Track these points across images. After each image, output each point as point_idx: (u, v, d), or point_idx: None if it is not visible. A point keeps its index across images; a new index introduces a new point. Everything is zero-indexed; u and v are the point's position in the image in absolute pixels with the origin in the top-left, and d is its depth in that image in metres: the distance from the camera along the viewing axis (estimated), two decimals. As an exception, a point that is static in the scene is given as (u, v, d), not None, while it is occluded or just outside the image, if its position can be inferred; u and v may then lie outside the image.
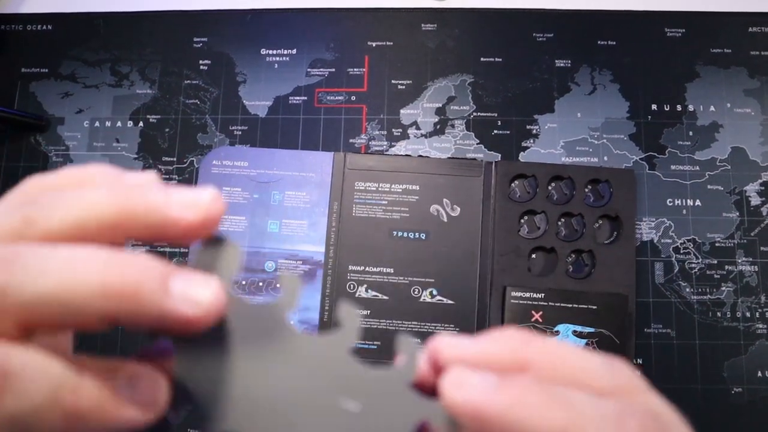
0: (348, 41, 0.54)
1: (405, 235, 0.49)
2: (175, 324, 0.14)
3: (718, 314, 0.48)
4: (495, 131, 0.52)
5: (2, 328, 0.13)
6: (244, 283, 0.49)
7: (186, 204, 0.15)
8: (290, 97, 0.53)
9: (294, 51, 0.54)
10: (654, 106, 0.52)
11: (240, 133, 0.53)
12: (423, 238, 0.49)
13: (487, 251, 0.48)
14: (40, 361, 0.13)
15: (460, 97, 0.53)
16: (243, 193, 0.50)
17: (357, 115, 0.53)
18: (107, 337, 0.49)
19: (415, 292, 0.48)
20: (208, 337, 0.16)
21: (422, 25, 0.54)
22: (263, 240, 0.49)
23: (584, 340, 0.45)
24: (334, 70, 0.54)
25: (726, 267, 0.49)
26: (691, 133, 0.51)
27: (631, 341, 0.46)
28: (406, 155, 0.51)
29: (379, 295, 0.48)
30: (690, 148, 0.51)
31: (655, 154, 0.51)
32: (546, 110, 0.52)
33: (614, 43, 0.53)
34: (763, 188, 0.50)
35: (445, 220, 0.49)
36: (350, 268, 0.48)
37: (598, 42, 0.53)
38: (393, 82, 0.53)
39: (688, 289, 0.49)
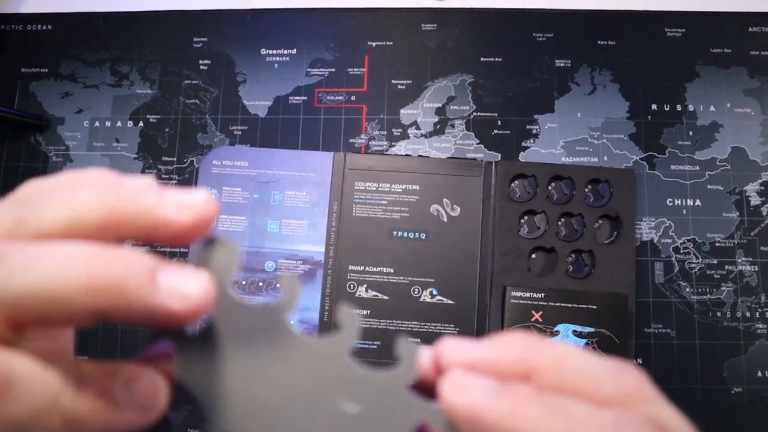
0: (348, 41, 0.54)
1: (405, 235, 0.49)
2: (163, 318, 0.14)
3: (718, 314, 0.48)
4: (495, 131, 0.52)
5: None
6: (244, 283, 0.49)
7: (179, 206, 0.15)
8: (290, 97, 0.53)
9: (294, 51, 0.54)
10: (654, 106, 0.52)
11: (240, 133, 0.53)
12: (423, 238, 0.49)
13: (487, 251, 0.48)
14: (41, 368, 0.13)
15: (460, 97, 0.53)
16: (243, 193, 0.50)
17: (357, 115, 0.53)
18: (107, 338, 0.49)
19: (415, 292, 0.48)
20: (208, 338, 0.16)
21: (422, 25, 0.54)
22: (263, 240, 0.49)
23: (584, 340, 0.45)
24: (334, 70, 0.54)
25: (726, 267, 0.49)
26: (691, 133, 0.51)
27: (631, 341, 0.46)
28: (406, 155, 0.51)
29: (379, 295, 0.48)
30: (690, 148, 0.51)
31: (655, 154, 0.51)
32: (546, 110, 0.52)
33: (614, 43, 0.53)
34: (763, 188, 0.50)
35: (445, 220, 0.49)
36: (350, 268, 0.48)
37: (598, 42, 0.53)
38: (393, 82, 0.53)
39: (688, 289, 0.49)
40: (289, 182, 0.50)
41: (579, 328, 0.45)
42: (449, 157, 0.51)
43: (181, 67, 0.54)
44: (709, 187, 0.50)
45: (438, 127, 0.52)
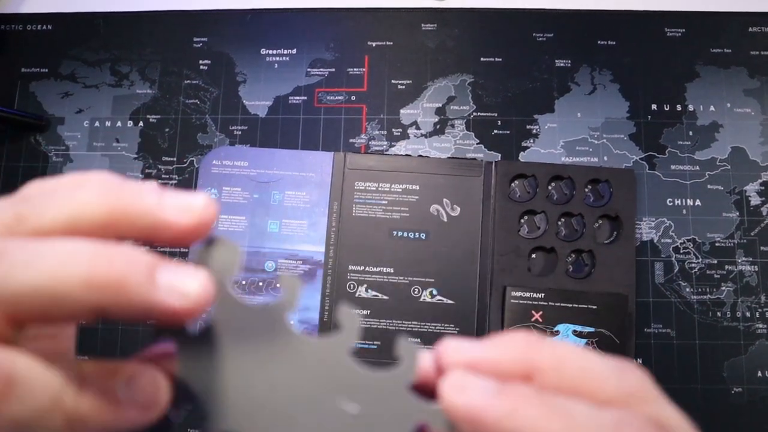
0: (348, 41, 0.54)
1: (405, 235, 0.49)
2: (162, 316, 0.14)
3: (718, 314, 0.48)
4: (495, 131, 0.52)
5: None
6: (244, 283, 0.49)
7: (179, 208, 0.15)
8: (290, 97, 0.53)
9: (294, 51, 0.54)
10: (654, 106, 0.52)
11: (240, 133, 0.53)
12: (423, 238, 0.49)
13: (487, 251, 0.48)
14: (42, 367, 0.13)
15: (460, 97, 0.53)
16: (243, 193, 0.50)
17: (357, 115, 0.53)
18: (107, 338, 0.49)
19: (415, 292, 0.48)
20: (209, 338, 0.16)
21: (422, 25, 0.54)
22: (263, 240, 0.49)
23: (584, 340, 0.45)
24: (334, 70, 0.54)
25: (726, 267, 0.49)
26: (691, 133, 0.51)
27: (631, 341, 0.46)
28: (406, 155, 0.51)
29: (379, 295, 0.48)
30: (690, 148, 0.51)
31: (655, 154, 0.51)
32: (546, 110, 0.52)
33: (614, 43, 0.53)
34: (763, 188, 0.50)
35: (445, 220, 0.49)
36: (350, 268, 0.48)
37: (598, 42, 0.53)
38: (393, 82, 0.53)
39: (688, 289, 0.49)
40: (289, 182, 0.50)
41: (579, 328, 0.45)
42: (449, 157, 0.51)
43: (181, 67, 0.54)
44: (709, 187, 0.50)
45: (438, 127, 0.52)
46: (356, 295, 0.48)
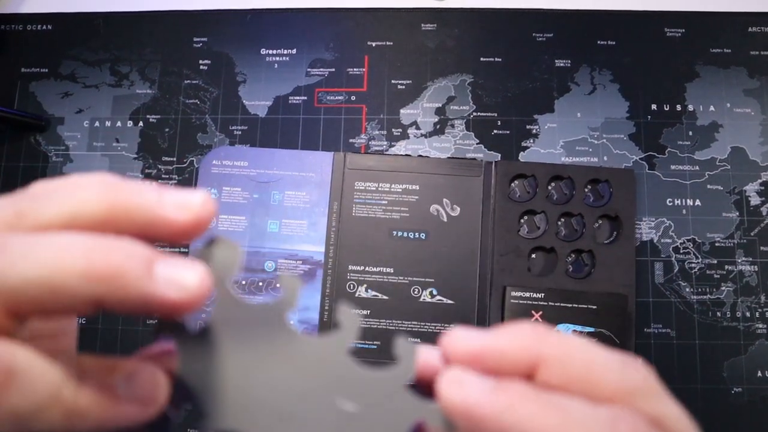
0: (348, 41, 0.54)
1: (405, 235, 0.49)
2: (160, 308, 0.14)
3: (718, 314, 0.48)
4: (495, 131, 0.52)
5: None
6: (244, 282, 0.49)
7: (178, 205, 0.15)
8: (290, 97, 0.53)
9: (294, 51, 0.54)
10: (654, 106, 0.52)
11: (240, 133, 0.53)
12: (423, 238, 0.49)
13: (487, 251, 0.48)
14: (43, 360, 0.13)
15: (460, 97, 0.53)
16: (243, 193, 0.50)
17: (357, 115, 0.53)
18: (107, 338, 0.49)
19: (415, 292, 0.48)
20: (209, 336, 0.16)
21: (422, 25, 0.54)
22: (263, 240, 0.49)
23: (584, 340, 0.45)
24: (333, 70, 0.54)
25: (726, 267, 0.49)
26: (690, 133, 0.51)
27: (631, 341, 0.46)
28: (406, 155, 0.51)
29: (379, 295, 0.48)
30: (690, 148, 0.51)
31: (655, 153, 0.51)
32: (546, 110, 0.52)
33: (614, 43, 0.53)
34: (762, 188, 0.50)
35: (445, 220, 0.49)
36: (350, 268, 0.48)
37: (598, 42, 0.53)
38: (393, 82, 0.53)
39: (687, 289, 0.49)
40: (289, 182, 0.50)
41: (579, 328, 0.45)
42: (449, 157, 0.51)
43: (181, 67, 0.54)
44: (708, 187, 0.50)
45: (438, 127, 0.52)
46: (356, 295, 0.48)
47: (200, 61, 0.54)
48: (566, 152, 0.51)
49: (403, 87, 0.53)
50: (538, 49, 0.53)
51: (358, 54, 0.54)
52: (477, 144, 0.52)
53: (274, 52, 0.54)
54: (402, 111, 0.53)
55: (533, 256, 0.49)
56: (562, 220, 0.49)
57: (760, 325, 0.48)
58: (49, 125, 0.53)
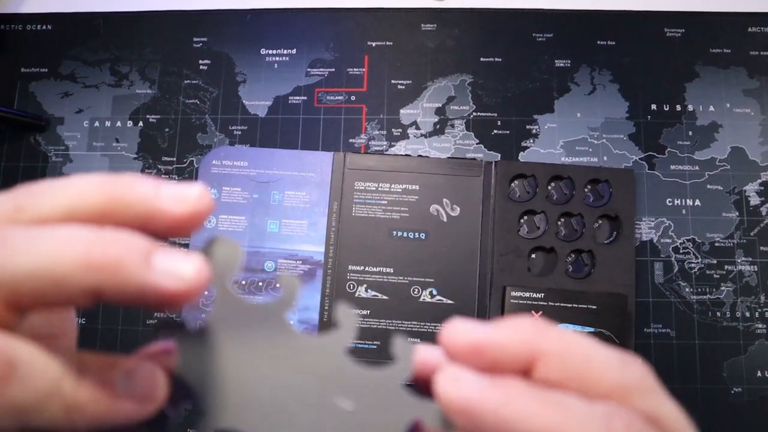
0: (348, 41, 0.54)
1: (405, 235, 0.49)
2: (158, 298, 0.14)
3: (718, 314, 0.48)
4: (495, 131, 0.52)
5: None
6: (244, 282, 0.49)
7: (175, 197, 0.15)
8: (290, 97, 0.53)
9: (294, 51, 0.54)
10: (653, 106, 0.52)
11: (240, 133, 0.53)
12: (423, 237, 0.49)
13: (487, 251, 0.48)
14: (44, 354, 0.13)
15: (460, 97, 0.53)
16: (243, 193, 0.50)
17: (357, 115, 0.53)
18: (106, 338, 0.49)
19: (415, 292, 0.48)
20: (208, 335, 0.16)
21: (422, 25, 0.54)
22: (263, 240, 0.49)
23: (584, 340, 0.45)
24: (333, 70, 0.54)
25: (725, 267, 0.49)
26: (690, 133, 0.51)
27: (631, 341, 0.46)
28: (406, 155, 0.51)
29: (379, 295, 0.48)
30: (689, 148, 0.51)
31: (655, 154, 0.51)
32: (546, 110, 0.52)
33: (614, 43, 0.53)
34: (762, 188, 0.50)
35: (445, 220, 0.49)
36: (350, 268, 0.48)
37: (598, 42, 0.53)
38: (393, 82, 0.53)
39: (687, 289, 0.49)
40: (288, 182, 0.50)
41: (579, 328, 0.45)
42: (449, 157, 0.51)
43: (180, 67, 0.54)
44: (708, 187, 0.50)
45: (438, 127, 0.52)
46: (356, 295, 0.48)
47: (200, 61, 0.54)
48: (566, 152, 0.51)
49: (403, 87, 0.53)
50: (538, 49, 0.53)
51: (358, 54, 0.54)
52: (477, 144, 0.52)
53: (274, 52, 0.54)
54: (402, 111, 0.53)
55: (533, 256, 0.49)
56: (562, 220, 0.49)
57: (760, 325, 0.48)
58: (48, 125, 0.53)
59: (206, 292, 0.46)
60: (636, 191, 0.49)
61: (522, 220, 0.49)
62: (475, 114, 0.52)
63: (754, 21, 0.53)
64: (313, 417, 0.16)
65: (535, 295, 0.46)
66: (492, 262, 0.48)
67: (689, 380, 0.47)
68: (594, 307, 0.45)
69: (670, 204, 0.50)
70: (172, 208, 0.15)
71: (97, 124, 0.53)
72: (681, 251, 0.49)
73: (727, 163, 0.50)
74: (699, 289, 0.49)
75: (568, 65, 0.53)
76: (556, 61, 0.53)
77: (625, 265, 0.48)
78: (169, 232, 0.15)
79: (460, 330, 0.16)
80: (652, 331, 0.48)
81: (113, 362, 0.15)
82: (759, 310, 0.48)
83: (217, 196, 0.50)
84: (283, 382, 0.16)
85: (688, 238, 0.49)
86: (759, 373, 0.47)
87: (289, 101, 0.53)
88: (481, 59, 0.53)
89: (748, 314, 0.48)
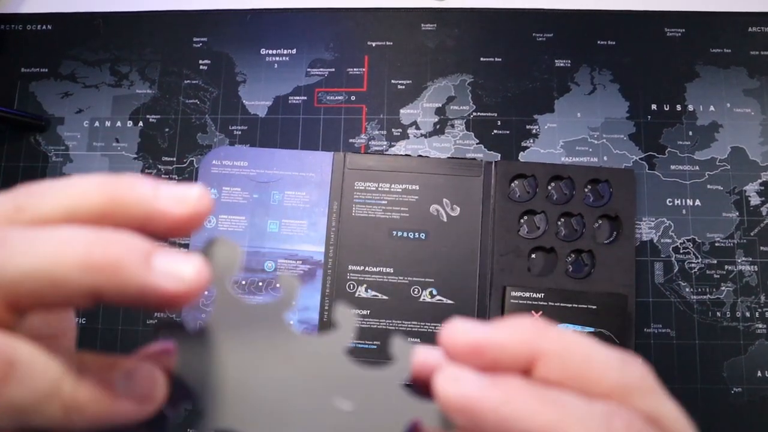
0: (348, 41, 0.54)
1: (405, 235, 0.49)
2: (158, 299, 0.14)
3: (718, 314, 0.48)
4: (495, 131, 0.52)
5: None
6: (243, 282, 0.49)
7: (174, 198, 0.15)
8: (290, 97, 0.53)
9: (294, 51, 0.54)
10: (654, 106, 0.52)
11: (240, 133, 0.53)
12: (423, 237, 0.49)
13: (487, 251, 0.48)
14: (43, 354, 0.13)
15: (460, 97, 0.53)
16: (243, 193, 0.50)
17: (357, 115, 0.53)
18: (106, 338, 0.49)
19: (415, 292, 0.48)
20: (208, 336, 0.16)
21: (422, 25, 0.54)
22: (263, 240, 0.49)
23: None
24: (333, 70, 0.54)
25: (726, 267, 0.49)
26: (690, 133, 0.51)
27: (631, 341, 0.46)
28: (406, 155, 0.51)
29: (379, 295, 0.48)
30: (690, 148, 0.51)
31: (655, 153, 0.51)
32: (546, 110, 0.52)
33: (614, 43, 0.53)
34: (762, 188, 0.50)
35: (445, 219, 0.49)
36: (350, 268, 0.48)
37: (598, 42, 0.53)
38: (393, 82, 0.53)
39: (687, 289, 0.49)
40: (288, 182, 0.50)
41: (579, 328, 0.45)
42: (449, 157, 0.51)
43: (180, 67, 0.54)
44: (708, 187, 0.50)
45: (438, 127, 0.52)
46: (356, 295, 0.48)
47: (200, 61, 0.54)
48: (566, 152, 0.51)
49: (403, 87, 0.53)
50: (538, 49, 0.53)
51: (358, 54, 0.54)
52: (477, 144, 0.52)
53: (274, 52, 0.54)
54: (402, 111, 0.53)
55: (533, 256, 0.49)
56: (562, 220, 0.49)
57: (760, 325, 0.48)
58: (49, 125, 0.53)
59: (206, 293, 0.46)
60: (636, 191, 0.49)
61: (522, 220, 0.49)
62: (475, 114, 0.52)
63: (754, 21, 0.53)
64: (312, 417, 0.16)
65: (535, 295, 0.46)
66: (492, 262, 0.48)
67: (689, 380, 0.47)
68: (594, 307, 0.45)
69: (670, 204, 0.50)
70: (172, 209, 0.15)
71: (97, 124, 0.53)
72: (681, 251, 0.49)
73: (727, 163, 0.50)
74: (699, 289, 0.48)
75: (568, 65, 0.53)
76: (556, 61, 0.53)
77: (625, 265, 0.47)
78: (169, 233, 0.15)
79: (459, 330, 0.16)
80: (652, 331, 0.48)
81: (113, 362, 0.15)
82: (759, 310, 0.48)
83: (217, 196, 0.50)
84: (282, 383, 0.16)
85: (688, 238, 0.49)
86: (759, 373, 0.47)
87: (289, 101, 0.53)
88: (481, 59, 0.53)
89: (748, 314, 0.48)
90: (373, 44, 0.54)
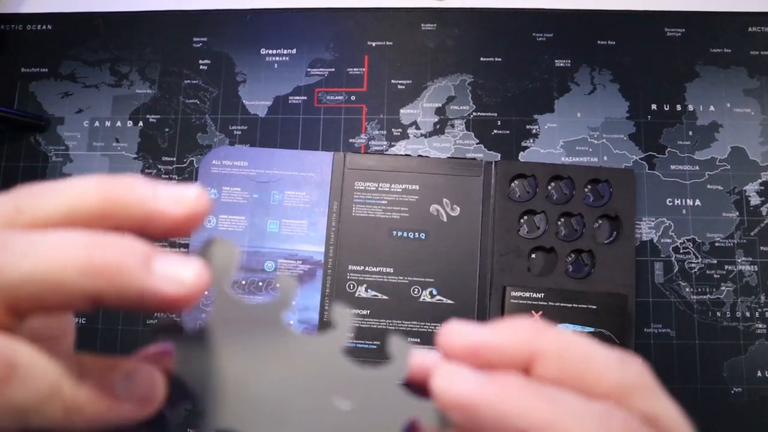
0: (348, 41, 0.54)
1: (405, 234, 0.49)
2: (157, 303, 0.14)
3: (718, 314, 0.48)
4: (495, 131, 0.52)
5: None
6: (243, 282, 0.49)
7: (173, 198, 0.15)
8: (290, 97, 0.53)
9: (294, 51, 0.54)
10: (654, 106, 0.52)
11: (240, 132, 0.53)
12: (423, 237, 0.49)
13: (487, 251, 0.48)
14: (44, 355, 0.13)
15: (460, 96, 0.53)
16: (243, 192, 0.50)
17: (357, 114, 0.53)
18: (106, 338, 0.49)
19: (415, 292, 0.48)
20: (207, 336, 0.16)
21: (422, 24, 0.54)
22: (263, 240, 0.49)
23: (584, 340, 0.45)
24: (333, 69, 0.54)
25: (726, 267, 0.49)
26: (690, 133, 0.51)
27: (631, 341, 0.46)
28: (406, 155, 0.51)
29: (379, 295, 0.48)
30: (690, 148, 0.51)
31: (655, 153, 0.51)
32: (546, 110, 0.52)
33: (614, 43, 0.53)
34: (762, 188, 0.50)
35: (445, 219, 0.49)
36: (350, 267, 0.48)
37: (598, 42, 0.53)
38: (393, 81, 0.53)
39: (687, 289, 0.49)
40: (288, 182, 0.50)
41: (579, 328, 0.45)
42: (449, 157, 0.51)
43: (180, 67, 0.54)
44: (708, 187, 0.50)
45: (438, 127, 0.52)
46: (356, 295, 0.48)
47: (200, 61, 0.54)
48: (566, 152, 0.51)
49: (403, 87, 0.53)
50: (538, 49, 0.53)
51: (358, 54, 0.54)
52: (477, 144, 0.52)
53: (274, 52, 0.54)
54: (402, 111, 0.53)
55: (533, 256, 0.49)
56: (562, 220, 0.49)
57: (760, 325, 0.48)
58: (49, 125, 0.53)
59: (205, 293, 0.46)
60: (636, 191, 0.49)
61: (522, 220, 0.49)
62: (475, 114, 0.52)
63: (754, 21, 0.53)
64: (310, 417, 0.16)
65: (535, 295, 0.46)
66: (492, 262, 0.48)
67: (689, 380, 0.47)
68: (594, 307, 0.45)
69: (670, 204, 0.50)
70: (170, 209, 0.15)
71: (97, 124, 0.53)
72: (681, 251, 0.49)
73: (727, 163, 0.50)
74: (699, 289, 0.48)
75: (568, 65, 0.53)
76: (556, 60, 0.53)
77: (625, 265, 0.47)
78: (168, 233, 0.15)
79: (457, 332, 0.16)
80: (652, 331, 0.48)
81: (112, 364, 0.15)
82: (759, 310, 0.48)
83: (217, 196, 0.50)
84: (281, 383, 0.16)
85: (688, 238, 0.49)
86: (759, 373, 0.47)
87: (289, 101, 0.53)
88: (481, 59, 0.53)
89: (748, 314, 0.48)
90: (373, 44, 0.54)
